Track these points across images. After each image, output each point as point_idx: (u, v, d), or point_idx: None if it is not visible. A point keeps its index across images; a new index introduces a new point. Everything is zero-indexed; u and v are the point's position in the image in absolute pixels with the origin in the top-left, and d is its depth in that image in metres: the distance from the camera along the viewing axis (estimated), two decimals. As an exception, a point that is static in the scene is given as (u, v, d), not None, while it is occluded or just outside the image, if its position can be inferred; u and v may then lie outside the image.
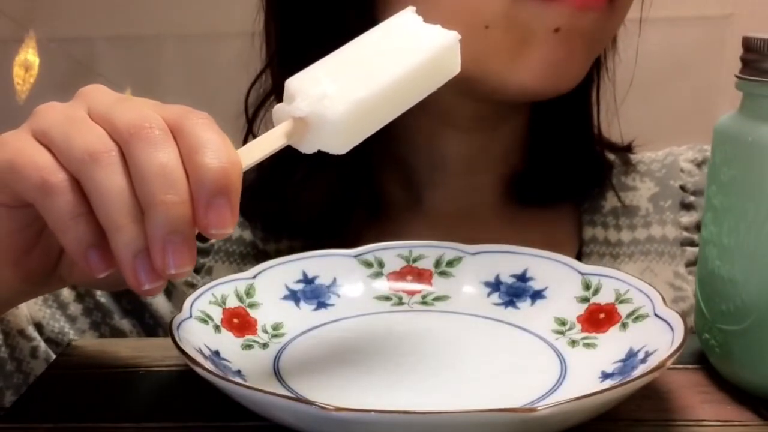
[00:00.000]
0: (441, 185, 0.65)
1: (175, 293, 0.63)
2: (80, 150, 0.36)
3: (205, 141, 0.36)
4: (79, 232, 0.36)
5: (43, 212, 0.37)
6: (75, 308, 0.61)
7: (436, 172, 0.65)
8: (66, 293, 0.61)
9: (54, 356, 0.57)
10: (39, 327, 0.59)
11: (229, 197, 0.36)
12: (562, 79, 0.56)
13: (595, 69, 0.65)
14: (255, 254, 0.64)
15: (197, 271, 0.64)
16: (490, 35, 0.54)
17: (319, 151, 0.41)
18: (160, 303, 0.63)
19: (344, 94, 0.40)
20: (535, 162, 0.66)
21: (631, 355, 0.42)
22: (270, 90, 0.64)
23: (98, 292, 0.62)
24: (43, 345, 0.59)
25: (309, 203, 0.62)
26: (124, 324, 0.63)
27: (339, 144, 0.41)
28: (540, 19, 0.53)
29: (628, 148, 0.71)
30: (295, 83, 0.41)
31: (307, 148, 0.41)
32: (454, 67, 0.44)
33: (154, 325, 0.63)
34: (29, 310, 0.59)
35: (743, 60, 0.41)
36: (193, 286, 0.62)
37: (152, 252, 0.35)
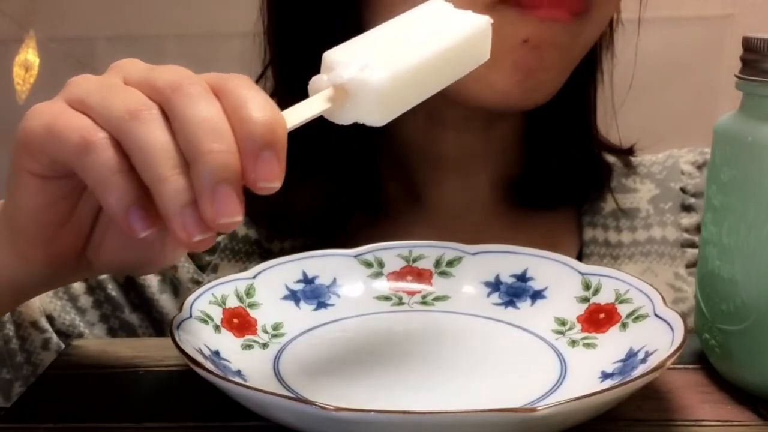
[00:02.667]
0: (439, 184, 0.65)
1: (181, 289, 0.63)
2: (120, 110, 0.36)
3: (249, 97, 0.36)
4: (121, 189, 0.36)
5: (84, 172, 0.36)
6: (85, 300, 0.62)
7: (434, 171, 0.65)
8: (77, 285, 0.61)
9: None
10: (50, 319, 0.59)
11: (277, 151, 0.36)
12: (536, 89, 0.56)
13: (591, 70, 0.65)
14: (260, 253, 0.64)
15: (203, 268, 0.64)
16: None
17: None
18: (165, 299, 0.63)
19: (385, 64, 0.40)
20: (533, 165, 0.66)
21: (631, 355, 0.42)
22: (272, 91, 0.64)
23: (109, 285, 0.62)
24: (55, 337, 0.59)
25: (307, 201, 0.62)
26: (134, 318, 0.63)
27: (377, 115, 0.41)
28: (511, 27, 0.52)
29: (629, 151, 0.71)
30: (333, 55, 0.41)
31: (344, 118, 0.41)
32: (484, 52, 0.45)
33: (161, 322, 0.63)
34: (40, 302, 0.59)
35: (743, 60, 0.41)
36: (198, 284, 0.62)
37: (201, 202, 0.35)
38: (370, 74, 0.40)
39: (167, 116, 0.36)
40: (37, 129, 0.38)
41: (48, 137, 0.37)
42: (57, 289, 0.60)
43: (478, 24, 0.44)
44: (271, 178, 0.36)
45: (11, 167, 0.40)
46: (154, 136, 0.35)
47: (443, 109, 0.61)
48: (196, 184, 0.35)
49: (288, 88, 0.62)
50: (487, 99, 0.56)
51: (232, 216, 0.35)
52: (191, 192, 0.35)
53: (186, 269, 0.63)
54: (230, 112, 0.36)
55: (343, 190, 0.63)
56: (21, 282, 0.44)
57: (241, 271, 0.50)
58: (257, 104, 0.36)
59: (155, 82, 0.37)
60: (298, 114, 0.39)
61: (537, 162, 0.66)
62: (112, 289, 0.62)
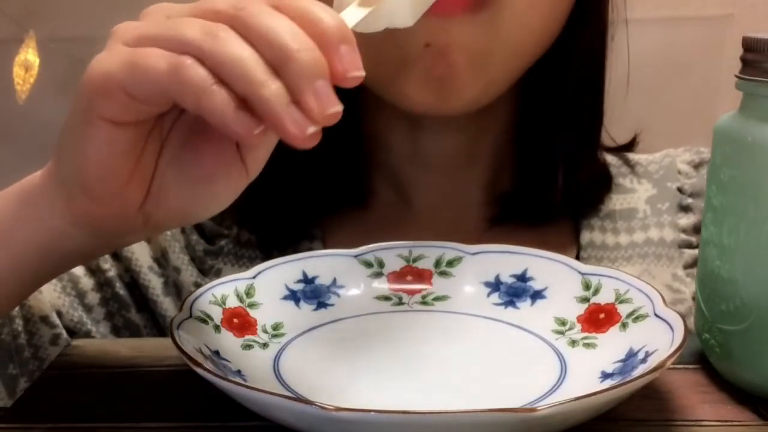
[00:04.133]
0: (427, 186, 0.65)
1: (183, 293, 0.63)
2: (195, 34, 0.36)
3: (310, 5, 0.37)
4: (225, 94, 0.36)
5: (181, 89, 0.36)
6: (93, 297, 0.61)
7: (419, 172, 0.65)
8: (84, 281, 0.61)
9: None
10: (59, 315, 0.59)
11: (353, 44, 0.37)
12: (448, 98, 0.55)
13: (590, 73, 0.64)
14: (263, 257, 0.64)
15: (206, 273, 0.64)
16: (374, 42, 0.49)
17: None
18: (168, 302, 0.63)
19: None
20: (527, 179, 0.65)
21: (631, 355, 0.42)
22: None
23: (117, 283, 0.62)
24: (64, 333, 0.59)
25: (293, 203, 0.63)
26: (138, 318, 0.63)
27: (409, 12, 0.44)
28: (409, 30, 0.50)
29: (630, 146, 0.70)
30: None
31: (378, 24, 0.43)
32: None
33: (164, 324, 0.63)
34: (50, 297, 0.59)
35: (743, 60, 0.41)
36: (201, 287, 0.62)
37: (305, 99, 0.36)
38: None
39: (240, 34, 0.37)
40: (115, 69, 0.37)
41: (132, 72, 0.37)
42: (65, 284, 0.60)
43: None
44: (356, 68, 0.37)
45: (75, 119, 0.40)
46: (240, 48, 0.36)
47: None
48: (294, 84, 0.36)
49: None
50: (407, 107, 0.57)
51: (335, 106, 0.36)
52: (289, 94, 0.36)
53: (189, 273, 0.63)
54: (298, 19, 0.37)
55: (328, 187, 0.64)
56: (66, 246, 0.43)
57: None
58: (320, 8, 0.37)
59: (213, 6, 0.38)
60: (348, 20, 0.40)
61: (531, 175, 0.65)
62: (120, 288, 0.62)
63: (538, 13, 0.56)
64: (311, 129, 0.36)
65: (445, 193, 0.65)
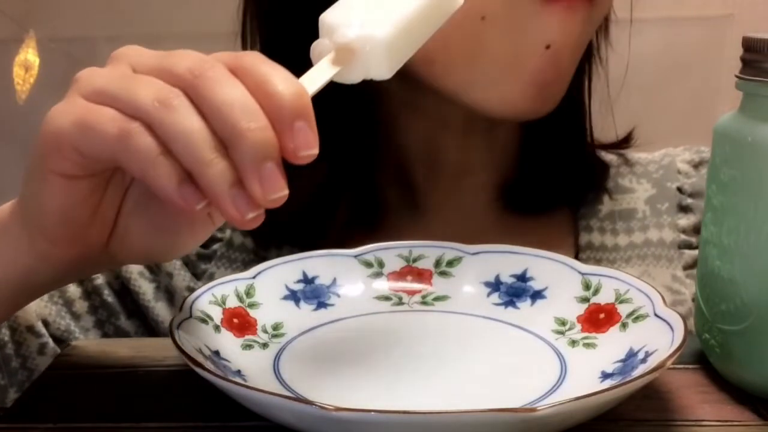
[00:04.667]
0: (437, 190, 0.65)
1: (176, 297, 0.63)
2: (147, 99, 0.36)
3: (269, 72, 0.37)
4: (169, 166, 0.36)
5: (127, 158, 0.36)
6: (80, 306, 0.61)
7: (433, 176, 0.65)
8: (72, 289, 0.61)
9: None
10: (45, 324, 0.59)
11: (309, 119, 0.36)
12: (547, 101, 0.56)
13: (586, 72, 0.65)
14: (257, 261, 0.64)
15: (199, 277, 0.63)
16: (486, 30, 0.53)
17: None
18: (161, 307, 0.63)
19: (384, 17, 0.41)
20: (528, 169, 0.66)
21: (631, 355, 0.42)
22: None
23: (105, 291, 0.62)
24: (51, 342, 0.59)
25: (304, 208, 0.62)
26: (129, 325, 0.63)
27: (387, 66, 0.41)
28: (533, 28, 0.52)
29: (626, 141, 0.70)
30: (330, 18, 0.41)
31: (353, 77, 0.41)
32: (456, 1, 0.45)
33: (155, 330, 0.63)
34: (36, 307, 0.59)
35: (743, 60, 0.41)
36: (193, 291, 0.61)
37: (249, 182, 0.35)
38: (373, 29, 0.40)
39: (193, 102, 0.36)
40: (66, 127, 0.37)
41: (82, 134, 0.37)
42: (52, 293, 0.60)
43: None
44: (309, 146, 0.36)
45: (32, 170, 0.40)
46: (190, 121, 0.36)
47: (448, 112, 0.61)
48: (240, 165, 0.35)
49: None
50: (493, 108, 0.56)
51: (281, 191, 0.36)
52: (235, 173, 0.35)
53: (182, 277, 0.63)
54: (254, 89, 0.36)
55: (340, 196, 0.63)
56: (36, 281, 0.44)
57: None
58: (279, 78, 0.36)
59: (173, 68, 0.37)
60: (313, 81, 0.39)
61: (531, 166, 0.66)
62: (108, 295, 0.62)
63: (605, 13, 0.57)
64: (251, 215, 0.36)
65: (454, 199, 0.65)
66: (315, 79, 0.40)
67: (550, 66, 0.54)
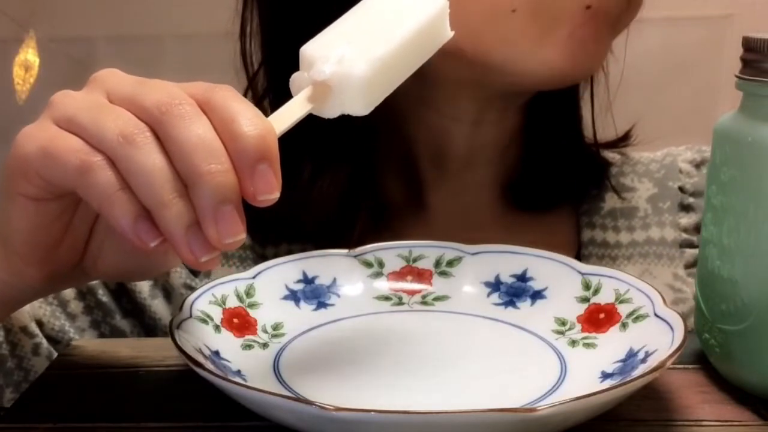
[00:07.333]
0: (441, 185, 0.65)
1: (173, 295, 0.63)
2: (113, 133, 0.36)
3: (237, 111, 0.37)
4: (126, 203, 0.36)
5: (86, 190, 0.37)
6: (75, 306, 0.61)
7: (437, 171, 0.65)
8: (67, 290, 0.61)
9: (55, 353, 0.58)
10: (39, 324, 0.59)
11: (272, 162, 0.36)
12: (587, 60, 0.56)
13: None
14: (254, 258, 0.64)
15: (195, 274, 0.63)
16: (516, 19, 0.54)
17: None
18: (158, 305, 0.62)
19: (363, 53, 0.41)
20: (530, 167, 0.66)
21: (631, 355, 0.42)
22: (264, 89, 0.64)
23: (100, 291, 0.62)
24: (45, 342, 0.58)
25: (318, 205, 0.62)
26: (125, 324, 0.62)
27: (363, 104, 0.41)
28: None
29: (625, 139, 0.70)
30: (310, 50, 0.41)
31: (330, 112, 0.41)
32: (445, 33, 0.45)
33: (154, 327, 0.63)
34: (30, 307, 0.59)
35: (743, 60, 0.41)
36: (191, 289, 0.61)
37: (204, 224, 0.35)
38: (350, 66, 0.40)
39: (158, 137, 0.37)
40: (32, 153, 0.38)
41: (45, 161, 0.37)
42: None
43: (438, 4, 0.44)
44: (269, 191, 0.36)
45: (3, 190, 0.40)
46: (151, 161, 0.36)
47: (461, 102, 0.61)
48: (197, 207, 0.36)
49: (279, 85, 0.62)
50: (536, 74, 0.56)
51: (236, 235, 0.36)
52: (193, 213, 0.36)
53: (179, 274, 0.63)
54: (221, 128, 0.36)
55: (352, 191, 0.62)
56: (14, 295, 0.44)
57: None
58: (246, 118, 0.36)
59: (142, 101, 0.37)
60: (285, 118, 0.39)
61: (533, 163, 0.66)
62: (103, 295, 0.62)
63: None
64: (204, 258, 0.36)
65: (457, 195, 0.65)
66: (289, 115, 0.40)
67: (588, 26, 0.54)
